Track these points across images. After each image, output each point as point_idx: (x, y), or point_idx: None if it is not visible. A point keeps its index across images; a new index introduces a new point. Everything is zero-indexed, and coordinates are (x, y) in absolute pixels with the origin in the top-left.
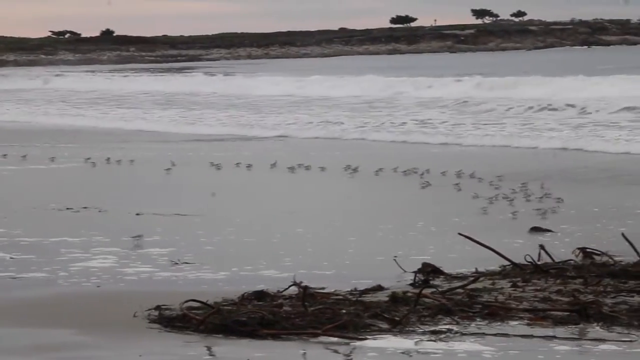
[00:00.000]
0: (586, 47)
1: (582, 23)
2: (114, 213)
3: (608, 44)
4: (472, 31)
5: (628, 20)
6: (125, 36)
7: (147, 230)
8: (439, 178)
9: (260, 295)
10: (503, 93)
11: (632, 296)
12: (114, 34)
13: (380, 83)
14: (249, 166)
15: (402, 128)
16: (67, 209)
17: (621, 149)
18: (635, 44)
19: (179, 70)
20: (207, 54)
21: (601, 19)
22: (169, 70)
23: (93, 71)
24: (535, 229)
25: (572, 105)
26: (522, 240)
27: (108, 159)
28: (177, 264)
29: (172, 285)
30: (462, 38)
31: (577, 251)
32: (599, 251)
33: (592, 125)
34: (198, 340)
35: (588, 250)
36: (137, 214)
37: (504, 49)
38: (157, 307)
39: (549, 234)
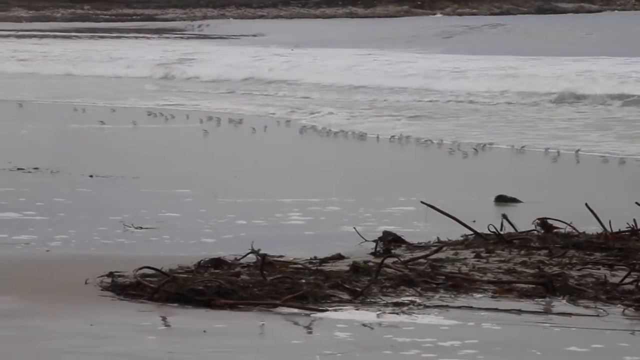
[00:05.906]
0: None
1: None
2: (65, 175)
3: (564, 11)
4: None
5: None
6: None
7: (101, 193)
8: None
9: (217, 263)
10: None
11: (598, 269)
12: None
13: None
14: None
15: None
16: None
17: None
18: (590, 11)
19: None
20: (163, 13)
21: None
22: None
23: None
24: (500, 198)
25: None
26: (486, 209)
27: None
28: (132, 228)
29: (127, 251)
30: (419, 2)
31: (537, 221)
32: (561, 221)
33: None
34: (152, 310)
35: (548, 220)
36: (90, 176)
37: (460, 14)
38: (110, 274)
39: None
